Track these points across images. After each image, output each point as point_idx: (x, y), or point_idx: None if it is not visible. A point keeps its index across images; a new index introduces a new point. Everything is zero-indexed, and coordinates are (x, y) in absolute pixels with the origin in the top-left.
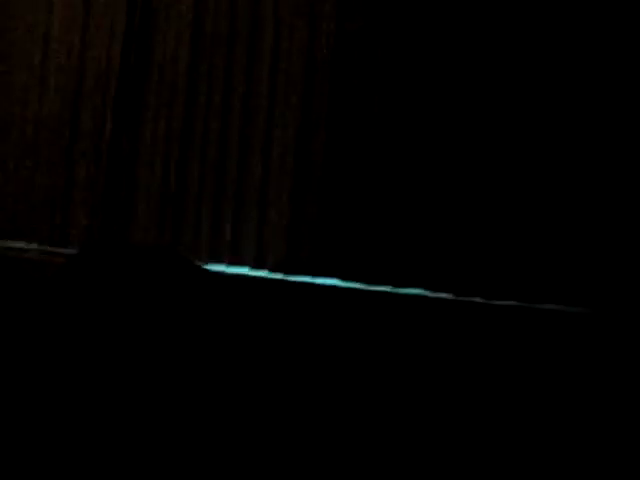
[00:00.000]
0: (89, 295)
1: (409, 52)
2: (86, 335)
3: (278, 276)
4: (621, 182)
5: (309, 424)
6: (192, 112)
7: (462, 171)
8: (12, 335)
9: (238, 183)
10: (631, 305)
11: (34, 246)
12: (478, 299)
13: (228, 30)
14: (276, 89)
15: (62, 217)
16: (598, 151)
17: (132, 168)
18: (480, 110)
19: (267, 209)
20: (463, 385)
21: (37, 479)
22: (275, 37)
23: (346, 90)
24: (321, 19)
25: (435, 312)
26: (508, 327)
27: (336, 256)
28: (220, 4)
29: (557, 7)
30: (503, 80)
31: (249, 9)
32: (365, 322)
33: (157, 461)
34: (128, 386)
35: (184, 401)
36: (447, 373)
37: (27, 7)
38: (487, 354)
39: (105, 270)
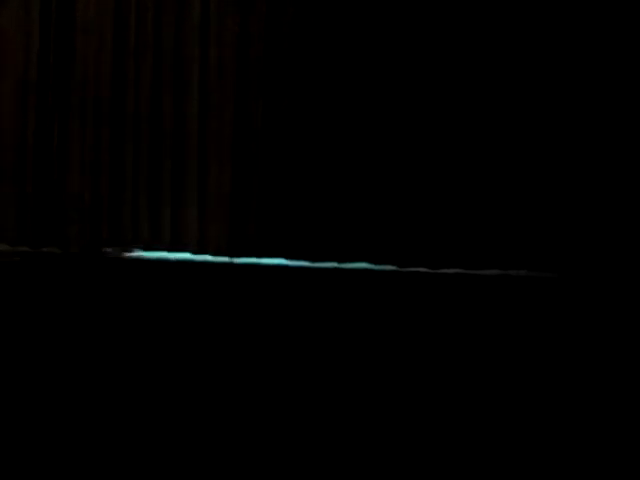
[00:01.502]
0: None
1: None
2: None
3: (222, 259)
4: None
5: (269, 408)
6: (122, 91)
7: (398, 139)
8: None
9: (175, 167)
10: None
11: None
12: (423, 269)
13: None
14: (208, 62)
15: None
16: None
17: (64, 155)
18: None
19: (207, 191)
20: (414, 357)
21: (37, 479)
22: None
23: (281, 67)
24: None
25: (381, 284)
26: (453, 295)
27: (280, 236)
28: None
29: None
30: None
31: None
32: (314, 299)
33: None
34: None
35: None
36: (398, 345)
37: None
38: (434, 323)
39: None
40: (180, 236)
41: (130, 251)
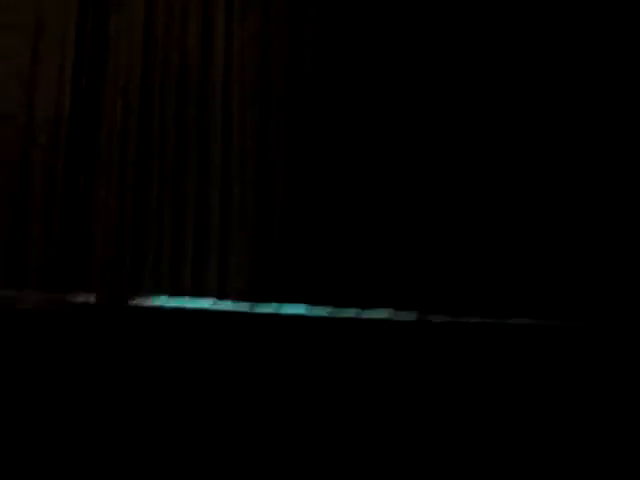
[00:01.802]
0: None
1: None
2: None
3: (243, 306)
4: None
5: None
6: (148, 145)
7: (420, 189)
8: None
9: (198, 214)
10: (591, 316)
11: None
12: (446, 318)
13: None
14: (231, 109)
15: (19, 258)
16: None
17: (89, 199)
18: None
19: (229, 238)
20: (435, 407)
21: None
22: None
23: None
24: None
25: (401, 334)
26: (476, 344)
27: (301, 282)
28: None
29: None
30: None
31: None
32: (333, 349)
33: None
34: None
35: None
36: (420, 396)
37: None
38: (454, 373)
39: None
40: (201, 284)
41: (153, 299)
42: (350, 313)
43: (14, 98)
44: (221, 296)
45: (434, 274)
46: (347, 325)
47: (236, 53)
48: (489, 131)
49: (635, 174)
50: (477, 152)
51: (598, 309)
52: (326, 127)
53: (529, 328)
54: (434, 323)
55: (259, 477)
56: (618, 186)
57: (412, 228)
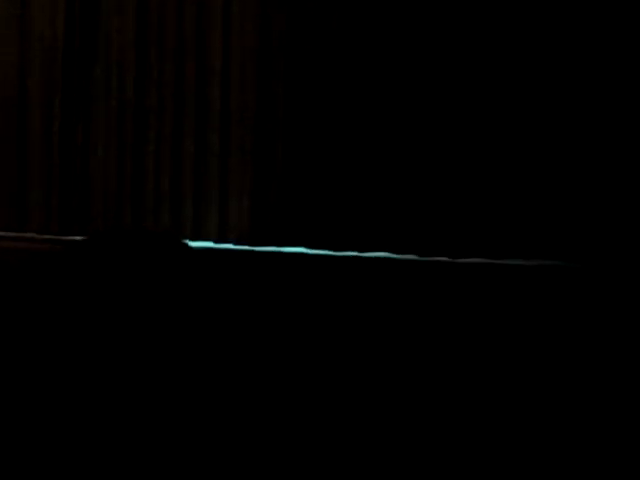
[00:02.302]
0: (92, 285)
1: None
2: (87, 328)
3: (244, 248)
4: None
5: (296, 403)
6: (144, 87)
7: (422, 129)
8: (7, 330)
9: (196, 157)
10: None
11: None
12: (444, 258)
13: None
14: (230, 58)
15: (19, 202)
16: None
17: (86, 150)
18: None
19: (228, 181)
20: (435, 350)
21: (37, 479)
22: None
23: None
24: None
25: (403, 273)
26: (475, 285)
27: (300, 225)
28: None
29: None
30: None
31: None
32: (335, 287)
33: (157, 458)
34: (131, 381)
35: (187, 392)
36: (418, 336)
37: None
38: (455, 314)
39: (111, 258)
40: (201, 225)
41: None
42: (349, 254)
43: (6, 35)
44: (221, 239)
45: (433, 217)
46: (349, 263)
47: None
48: (491, 72)
49: (638, 118)
50: (478, 97)
51: (599, 250)
52: (332, 63)
53: (530, 269)
54: (436, 262)
55: (258, 414)
56: (620, 129)
57: (411, 172)
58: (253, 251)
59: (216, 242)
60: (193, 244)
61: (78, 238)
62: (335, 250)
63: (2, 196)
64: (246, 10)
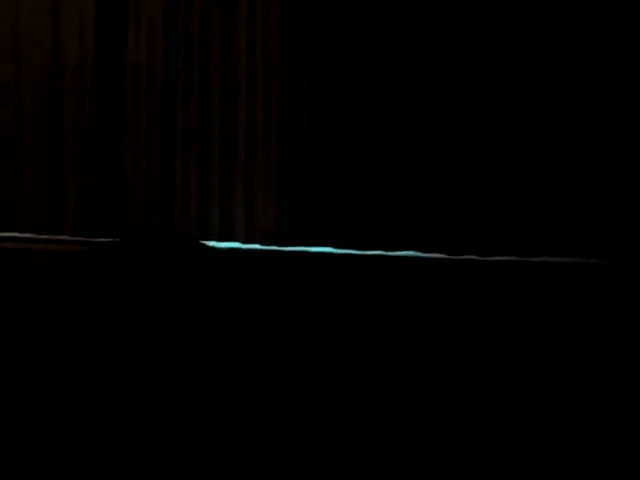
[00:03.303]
0: (120, 286)
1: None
2: (99, 330)
3: (271, 248)
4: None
5: (312, 396)
6: (171, 95)
7: (450, 129)
8: (22, 330)
9: (222, 160)
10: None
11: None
12: (473, 257)
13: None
14: (255, 59)
15: (52, 205)
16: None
17: (117, 151)
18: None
19: (254, 181)
20: (461, 346)
21: (37, 479)
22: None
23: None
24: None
25: (431, 272)
26: (505, 282)
27: (327, 225)
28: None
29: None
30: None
31: None
32: (363, 286)
33: (159, 455)
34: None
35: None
36: (447, 332)
37: None
38: (484, 311)
39: (135, 259)
40: (228, 225)
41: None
42: (376, 253)
43: (39, 43)
44: (248, 240)
45: (458, 217)
46: (374, 262)
47: None
48: (491, 72)
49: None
50: (485, 98)
51: (600, 247)
52: (355, 60)
53: (552, 266)
54: (464, 260)
55: (277, 404)
56: (622, 128)
57: (434, 172)
58: (280, 251)
59: (243, 243)
60: (221, 245)
61: (108, 240)
62: (361, 249)
63: (37, 200)
64: (268, 23)
